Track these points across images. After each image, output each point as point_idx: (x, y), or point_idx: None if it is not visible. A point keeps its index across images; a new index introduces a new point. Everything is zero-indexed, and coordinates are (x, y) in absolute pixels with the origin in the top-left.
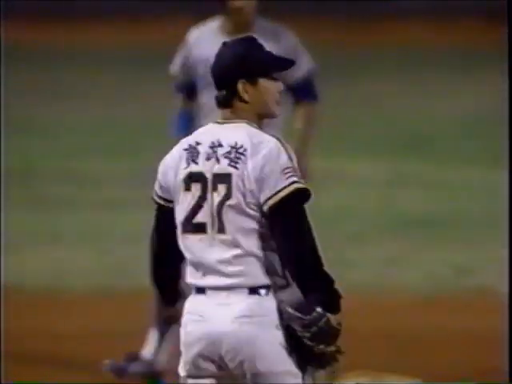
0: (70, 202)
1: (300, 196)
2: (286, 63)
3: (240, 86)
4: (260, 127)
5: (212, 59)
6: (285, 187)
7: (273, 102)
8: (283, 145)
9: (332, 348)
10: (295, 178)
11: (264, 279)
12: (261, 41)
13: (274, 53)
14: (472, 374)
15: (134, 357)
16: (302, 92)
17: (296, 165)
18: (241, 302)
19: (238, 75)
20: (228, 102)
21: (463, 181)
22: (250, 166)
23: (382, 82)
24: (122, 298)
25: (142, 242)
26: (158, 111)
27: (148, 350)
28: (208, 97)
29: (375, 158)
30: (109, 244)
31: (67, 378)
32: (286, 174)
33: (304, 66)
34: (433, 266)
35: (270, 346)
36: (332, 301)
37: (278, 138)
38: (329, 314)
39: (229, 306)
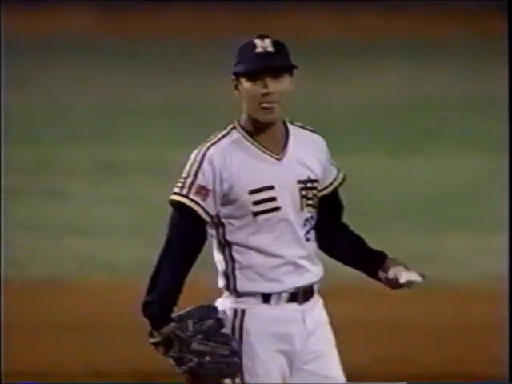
0: None
1: (174, 206)
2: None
3: (231, 82)
4: (253, 130)
5: None
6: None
7: (253, 104)
8: (200, 155)
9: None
10: (176, 190)
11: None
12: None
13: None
14: (371, 363)
15: None
16: None
17: (192, 178)
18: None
19: (233, 70)
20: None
21: (359, 169)
22: None
23: None
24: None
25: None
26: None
27: None
28: None
29: None
30: None
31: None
32: (176, 183)
33: None
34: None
35: None
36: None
37: (208, 147)
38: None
39: None
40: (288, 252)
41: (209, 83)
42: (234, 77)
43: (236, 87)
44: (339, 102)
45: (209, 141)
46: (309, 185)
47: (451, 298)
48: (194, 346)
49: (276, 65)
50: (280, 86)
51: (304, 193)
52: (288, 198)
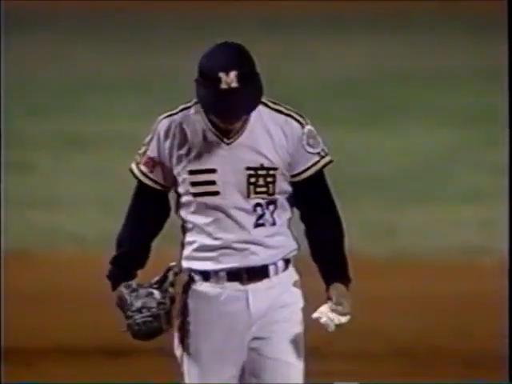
0: None
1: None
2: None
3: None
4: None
5: None
6: None
7: (207, 109)
8: (155, 126)
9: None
10: (136, 157)
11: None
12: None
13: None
14: (338, 336)
15: None
16: None
17: (145, 148)
18: None
19: (195, 80)
20: None
21: (334, 142)
22: None
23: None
24: None
25: None
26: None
27: None
28: None
29: None
30: None
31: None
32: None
33: None
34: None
35: None
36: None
37: (163, 119)
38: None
39: None
40: (226, 236)
41: (172, 57)
42: (195, 82)
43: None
44: (303, 77)
45: (168, 111)
46: (260, 172)
47: (412, 271)
48: (134, 302)
49: (239, 112)
50: (240, 119)
51: (253, 180)
52: (231, 184)
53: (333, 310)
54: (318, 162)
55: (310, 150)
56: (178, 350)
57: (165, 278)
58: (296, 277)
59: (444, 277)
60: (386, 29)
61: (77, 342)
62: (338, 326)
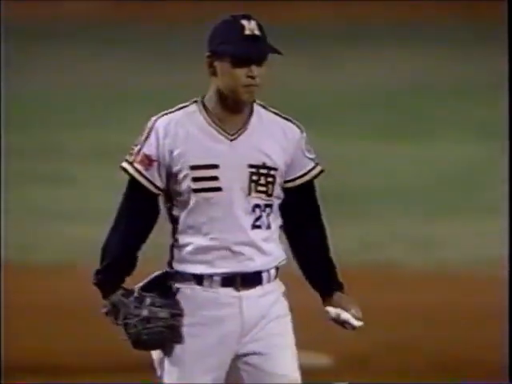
0: None
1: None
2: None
3: (205, 58)
4: (215, 107)
5: None
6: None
7: (233, 84)
8: (150, 125)
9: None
10: (126, 157)
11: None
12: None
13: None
14: (379, 348)
15: None
16: None
17: (140, 146)
18: None
19: (207, 46)
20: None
21: (360, 155)
22: None
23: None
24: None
25: None
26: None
27: None
28: None
29: None
30: None
31: None
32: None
33: None
34: (339, 240)
35: None
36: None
37: (159, 117)
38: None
39: None
40: (224, 236)
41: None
42: (210, 53)
43: (211, 64)
44: (329, 89)
45: (164, 111)
46: (262, 171)
47: (446, 282)
48: (137, 311)
49: (266, 52)
50: (262, 69)
51: (255, 178)
52: (234, 181)
53: (351, 315)
54: (314, 168)
55: (308, 155)
56: (157, 353)
57: (162, 286)
58: (283, 287)
59: (478, 289)
60: (412, 40)
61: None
62: (354, 329)
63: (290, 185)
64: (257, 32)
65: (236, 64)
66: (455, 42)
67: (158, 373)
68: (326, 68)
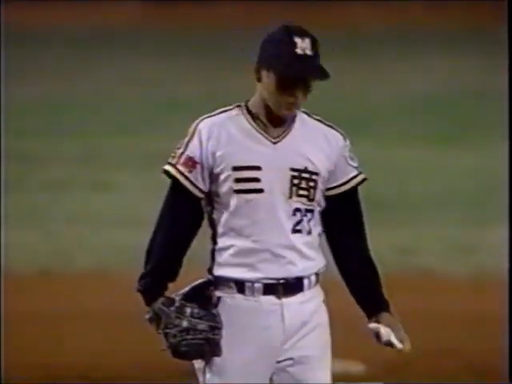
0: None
1: (166, 175)
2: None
3: (254, 64)
4: (259, 111)
5: None
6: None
7: (274, 101)
8: (193, 127)
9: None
10: (169, 159)
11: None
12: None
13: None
14: (416, 355)
15: None
16: None
17: (183, 149)
18: None
19: (258, 56)
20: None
21: (400, 162)
22: None
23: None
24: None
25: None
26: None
27: None
28: None
29: None
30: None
31: None
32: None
33: None
34: (377, 246)
35: None
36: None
37: (201, 120)
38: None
39: None
40: (266, 238)
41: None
42: (259, 64)
43: (258, 71)
44: (380, 94)
45: (207, 114)
46: (304, 175)
47: (490, 289)
48: (177, 321)
49: (313, 77)
50: (307, 91)
51: (296, 181)
52: (275, 183)
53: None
54: (357, 176)
55: (351, 162)
56: (198, 362)
57: (203, 295)
58: (323, 294)
59: None
60: (463, 44)
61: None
62: (400, 351)
63: (332, 192)
64: (309, 52)
65: (281, 82)
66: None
67: (200, 381)
68: (378, 74)
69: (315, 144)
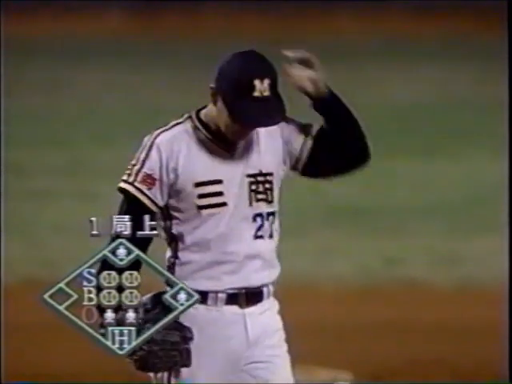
0: None
1: (121, 193)
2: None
3: (212, 90)
4: (212, 123)
5: None
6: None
7: (224, 127)
8: (149, 143)
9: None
10: (124, 177)
11: None
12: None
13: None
14: (403, 365)
15: None
16: None
17: (140, 165)
18: None
19: (216, 82)
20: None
21: (386, 172)
22: None
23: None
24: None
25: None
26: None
27: None
28: None
29: None
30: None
31: None
32: (126, 170)
33: None
34: (363, 256)
35: None
36: None
37: (157, 135)
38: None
39: None
40: (230, 249)
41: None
42: (216, 91)
43: (214, 96)
44: (367, 102)
45: (160, 128)
46: (259, 178)
47: (477, 299)
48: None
49: (264, 125)
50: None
51: (253, 187)
52: (236, 194)
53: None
54: (311, 126)
55: (297, 130)
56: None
57: (163, 306)
58: (277, 304)
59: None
60: (451, 55)
61: None
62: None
63: (307, 153)
64: (266, 93)
65: (234, 121)
66: (498, 56)
67: None
68: (364, 82)
69: (264, 144)
